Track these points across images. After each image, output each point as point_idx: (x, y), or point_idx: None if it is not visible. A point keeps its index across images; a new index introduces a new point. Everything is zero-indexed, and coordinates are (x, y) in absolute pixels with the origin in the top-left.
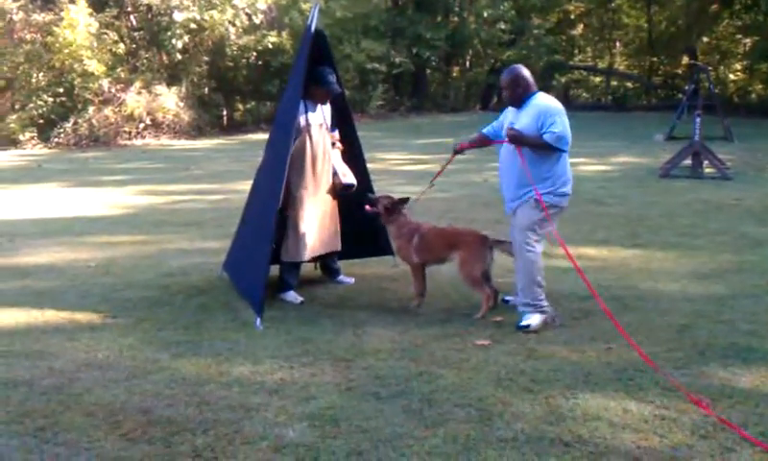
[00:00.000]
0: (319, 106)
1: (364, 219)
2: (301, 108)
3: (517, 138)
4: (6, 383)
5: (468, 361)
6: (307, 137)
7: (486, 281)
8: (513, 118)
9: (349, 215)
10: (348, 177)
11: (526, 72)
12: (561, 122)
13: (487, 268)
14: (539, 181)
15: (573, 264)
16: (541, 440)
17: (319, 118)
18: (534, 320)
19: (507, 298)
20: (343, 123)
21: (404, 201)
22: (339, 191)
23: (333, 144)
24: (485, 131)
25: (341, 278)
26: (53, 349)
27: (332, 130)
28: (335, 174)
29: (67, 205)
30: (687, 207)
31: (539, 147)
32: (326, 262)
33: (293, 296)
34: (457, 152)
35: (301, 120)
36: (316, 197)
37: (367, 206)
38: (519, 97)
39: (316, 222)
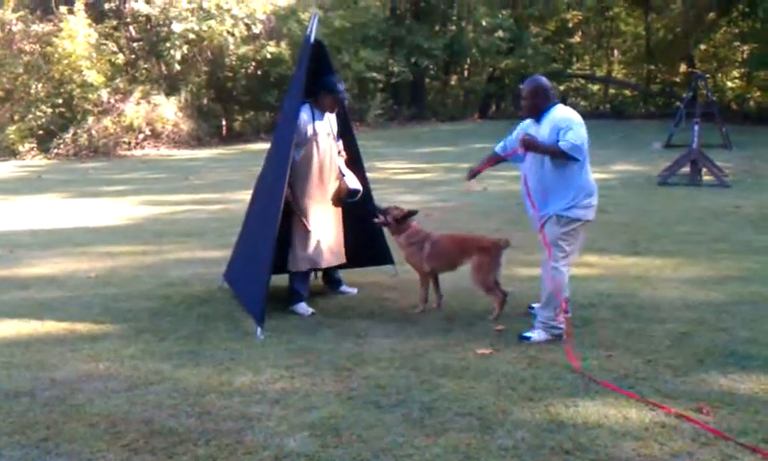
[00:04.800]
0: (326, 114)
1: (363, 228)
2: (309, 116)
3: (532, 144)
4: (7, 394)
5: (468, 370)
6: (314, 146)
7: (497, 285)
8: (532, 132)
9: (349, 224)
10: (353, 182)
11: (547, 83)
12: (576, 132)
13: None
14: (561, 195)
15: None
16: (542, 448)
17: (326, 127)
18: (537, 336)
19: (533, 305)
20: (343, 132)
21: (413, 213)
22: (344, 196)
23: (339, 153)
24: (496, 149)
25: (343, 287)
26: (54, 360)
27: (336, 139)
28: (341, 177)
29: (67, 215)
30: (686, 215)
31: (553, 154)
32: (328, 272)
33: (304, 308)
34: (473, 176)
35: (309, 129)
36: (323, 206)
37: (376, 218)
38: (538, 108)
39: (324, 231)
